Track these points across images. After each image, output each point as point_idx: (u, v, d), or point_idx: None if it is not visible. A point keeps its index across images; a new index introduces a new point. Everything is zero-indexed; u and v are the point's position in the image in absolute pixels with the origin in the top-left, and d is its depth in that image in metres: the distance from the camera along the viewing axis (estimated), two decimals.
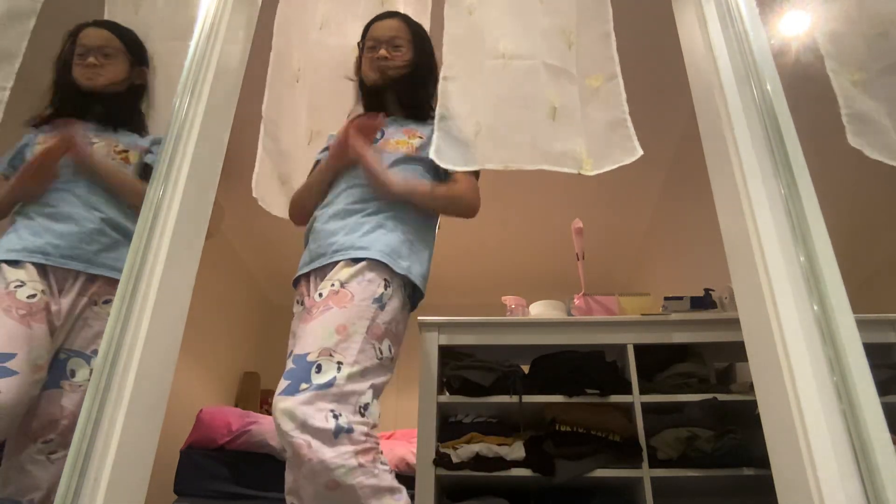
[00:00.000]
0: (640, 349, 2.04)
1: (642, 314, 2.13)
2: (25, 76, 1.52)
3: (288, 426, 1.01)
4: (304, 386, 1.05)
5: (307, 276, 1.37)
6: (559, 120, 1.43)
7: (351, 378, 1.09)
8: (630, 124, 1.38)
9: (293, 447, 1.01)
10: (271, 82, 1.77)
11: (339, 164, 1.42)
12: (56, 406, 1.31)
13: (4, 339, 1.23)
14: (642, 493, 1.82)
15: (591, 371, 2.02)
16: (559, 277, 3.26)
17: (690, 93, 1.34)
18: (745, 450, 1.84)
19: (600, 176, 1.40)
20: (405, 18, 1.59)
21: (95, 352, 1.32)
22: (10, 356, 1.21)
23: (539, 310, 2.34)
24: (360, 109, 1.61)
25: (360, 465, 1.01)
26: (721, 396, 1.93)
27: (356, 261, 1.24)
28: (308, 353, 1.10)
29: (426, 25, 1.72)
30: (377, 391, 1.15)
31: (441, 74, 1.52)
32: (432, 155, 1.40)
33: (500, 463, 1.89)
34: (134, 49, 1.62)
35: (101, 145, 1.52)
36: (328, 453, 0.99)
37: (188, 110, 1.30)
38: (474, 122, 1.46)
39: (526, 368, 2.15)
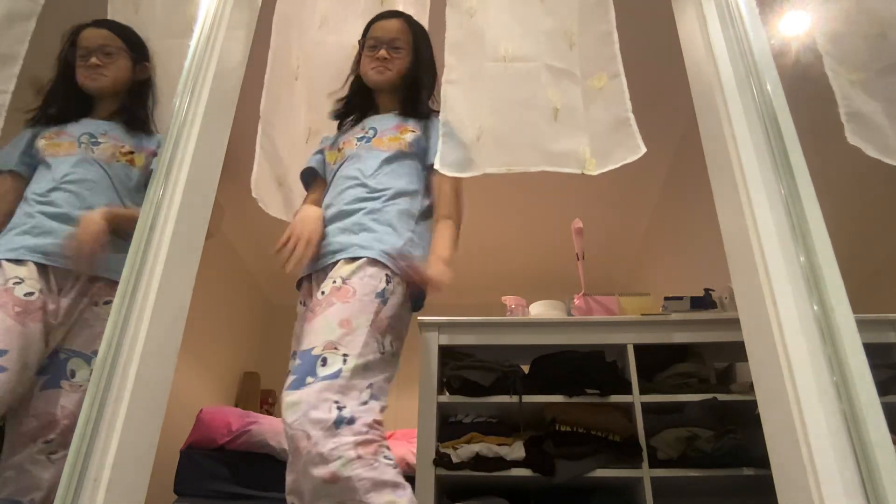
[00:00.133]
0: (640, 349, 2.04)
1: (642, 314, 2.13)
2: (25, 78, 1.52)
3: (291, 417, 1.01)
4: (309, 380, 1.05)
5: (309, 277, 1.37)
6: (561, 121, 1.43)
7: (356, 370, 1.09)
8: (633, 122, 1.37)
9: (293, 439, 1.00)
10: (269, 81, 1.77)
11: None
12: (56, 406, 1.31)
13: None
14: (642, 493, 1.82)
15: (591, 371, 2.02)
16: (559, 277, 3.26)
17: (690, 93, 1.34)
18: (745, 450, 1.84)
19: (600, 176, 1.40)
20: (407, 19, 1.59)
21: (96, 352, 1.32)
22: (2, 353, 1.21)
23: (539, 310, 2.34)
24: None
25: (359, 457, 0.99)
26: (721, 396, 1.93)
27: (356, 258, 1.25)
28: (313, 348, 1.10)
29: (425, 26, 1.72)
30: (382, 386, 1.15)
31: (443, 78, 1.52)
32: (436, 162, 1.40)
33: (500, 463, 1.89)
34: (134, 45, 1.62)
35: (107, 145, 1.52)
36: (326, 445, 0.98)
37: (188, 110, 1.30)
38: (476, 126, 1.46)
39: (526, 368, 2.15)
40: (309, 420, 1.00)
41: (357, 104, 1.60)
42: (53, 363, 1.35)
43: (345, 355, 1.09)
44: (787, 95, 1.15)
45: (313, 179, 1.57)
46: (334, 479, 0.97)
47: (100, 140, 1.52)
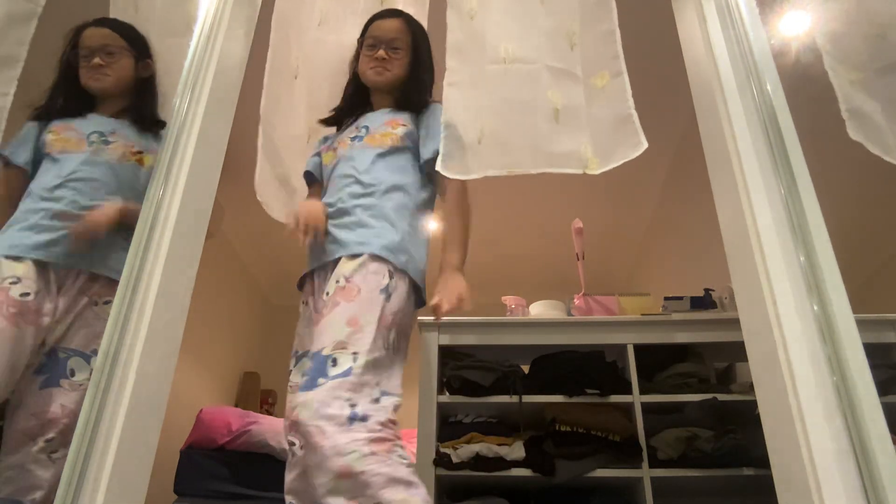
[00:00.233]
0: (640, 349, 2.04)
1: (642, 314, 2.13)
2: (27, 79, 1.52)
3: (304, 416, 1.02)
4: (321, 381, 1.06)
5: (311, 275, 1.37)
6: (562, 122, 1.43)
7: (367, 367, 1.09)
8: (636, 119, 1.37)
9: (307, 435, 1.00)
10: (269, 81, 1.76)
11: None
12: (56, 405, 1.31)
13: None
14: (642, 493, 1.82)
15: (591, 371, 2.02)
16: (559, 277, 3.26)
17: (690, 93, 1.34)
18: (745, 450, 1.84)
19: (600, 175, 1.40)
20: (406, 19, 1.59)
21: (95, 351, 1.32)
22: None
23: (539, 310, 2.34)
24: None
25: (373, 453, 0.98)
26: (721, 396, 1.93)
27: (357, 255, 1.25)
28: (323, 349, 1.11)
29: (424, 25, 1.72)
30: (393, 382, 1.16)
31: (444, 81, 1.52)
32: (439, 165, 1.40)
33: (500, 463, 1.89)
34: (136, 43, 1.62)
35: (118, 145, 1.52)
36: (341, 438, 0.98)
37: (188, 110, 1.30)
38: (477, 129, 1.46)
39: (526, 368, 2.15)
40: (322, 416, 1.00)
41: (354, 104, 1.60)
42: (53, 362, 1.34)
43: (355, 353, 1.10)
44: (787, 95, 1.15)
45: (312, 182, 1.58)
46: (348, 474, 0.96)
47: (110, 139, 1.52)
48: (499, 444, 1.93)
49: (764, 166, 1.09)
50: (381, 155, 1.41)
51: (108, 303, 1.39)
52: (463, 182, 1.44)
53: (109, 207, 1.42)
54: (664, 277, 3.85)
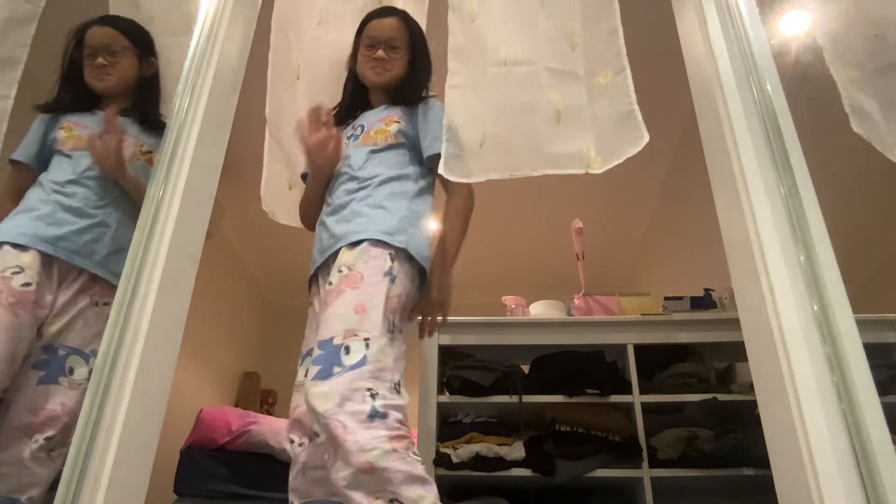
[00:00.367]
0: (640, 349, 2.04)
1: (642, 314, 2.13)
2: (28, 80, 1.52)
3: (324, 407, 1.00)
4: (336, 369, 1.05)
5: (315, 276, 1.37)
6: (564, 122, 1.43)
7: (382, 352, 1.10)
8: (638, 115, 1.37)
9: (329, 428, 1.00)
10: (272, 83, 1.76)
11: (318, 160, 1.43)
12: (55, 402, 1.31)
13: None
14: (642, 493, 1.82)
15: (591, 371, 2.02)
16: (559, 277, 3.26)
17: (690, 93, 1.34)
18: (745, 450, 1.84)
19: (600, 176, 1.39)
20: (404, 17, 1.59)
21: (94, 351, 1.32)
22: None
23: (539, 310, 2.34)
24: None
25: (394, 450, 0.99)
26: (721, 396, 1.93)
27: (356, 243, 1.25)
28: (333, 338, 1.10)
29: (423, 24, 1.72)
30: (399, 364, 1.16)
31: (446, 83, 1.52)
32: (441, 169, 1.41)
33: (500, 463, 1.89)
34: (139, 41, 1.61)
35: (129, 144, 1.51)
36: (363, 435, 0.99)
37: (188, 110, 1.30)
38: (479, 132, 1.46)
39: (526, 368, 2.15)
40: (345, 411, 1.00)
41: (354, 102, 1.60)
42: (51, 358, 1.34)
43: (366, 339, 1.10)
44: (787, 95, 1.15)
45: None
46: (370, 470, 0.97)
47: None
48: (499, 444, 1.93)
49: (764, 166, 1.09)
50: (375, 151, 1.42)
51: (109, 304, 1.39)
52: (470, 187, 1.45)
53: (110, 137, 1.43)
54: (664, 277, 3.85)
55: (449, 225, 1.42)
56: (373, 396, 1.03)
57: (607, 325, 2.11)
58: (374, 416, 1.01)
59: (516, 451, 1.92)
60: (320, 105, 1.47)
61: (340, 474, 0.99)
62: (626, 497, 1.97)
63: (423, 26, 1.71)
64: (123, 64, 1.57)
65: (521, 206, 3.72)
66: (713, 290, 2.25)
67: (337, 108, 1.61)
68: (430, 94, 1.56)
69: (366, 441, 0.98)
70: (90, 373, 1.28)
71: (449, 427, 2.05)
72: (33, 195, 1.43)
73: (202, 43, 1.39)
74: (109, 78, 1.55)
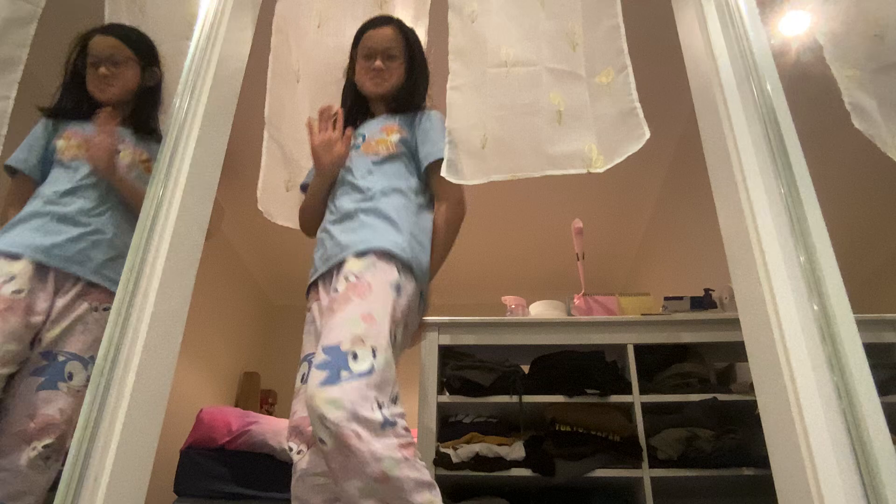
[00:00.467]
0: (640, 349, 2.04)
1: (642, 314, 2.13)
2: (29, 82, 1.52)
3: (335, 415, 0.99)
4: (344, 374, 1.04)
5: (315, 283, 1.36)
6: (565, 123, 1.43)
7: (387, 364, 1.09)
8: (640, 112, 1.37)
9: (340, 438, 0.98)
10: (272, 85, 1.77)
11: (325, 168, 1.44)
12: (54, 408, 1.30)
13: None
14: (642, 493, 1.82)
15: (591, 371, 2.02)
16: (559, 277, 3.26)
17: (690, 93, 1.34)
18: (745, 450, 1.84)
19: (600, 176, 1.40)
20: (398, 25, 1.59)
21: (94, 357, 1.31)
22: None
23: (539, 310, 2.34)
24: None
25: (405, 458, 1.00)
26: (721, 396, 1.93)
27: (363, 253, 1.25)
28: (340, 343, 1.09)
29: (425, 27, 1.72)
30: (396, 380, 1.16)
31: (448, 85, 1.52)
32: (444, 171, 1.41)
33: (500, 463, 1.89)
34: (143, 52, 1.61)
35: (127, 153, 1.52)
36: (377, 444, 0.99)
37: (188, 110, 1.30)
38: (480, 134, 1.46)
39: (526, 368, 2.15)
40: (358, 419, 0.99)
41: (354, 113, 1.59)
42: (50, 364, 1.33)
43: (373, 348, 1.09)
44: (787, 95, 1.15)
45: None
46: (385, 479, 0.98)
47: (119, 148, 1.52)
48: (499, 444, 1.93)
49: (764, 166, 1.09)
50: (377, 163, 1.42)
51: (108, 309, 1.38)
52: (462, 198, 1.45)
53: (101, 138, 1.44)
54: (664, 277, 3.85)
55: (436, 235, 1.41)
56: (380, 406, 1.03)
57: (607, 325, 2.11)
58: (385, 425, 1.01)
59: (516, 451, 1.92)
60: (330, 105, 1.47)
61: (354, 483, 0.99)
62: (626, 497, 1.97)
63: (425, 29, 1.71)
64: (126, 75, 1.57)
65: (521, 205, 3.72)
66: (713, 290, 2.25)
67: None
68: (429, 102, 1.56)
69: (379, 451, 0.99)
70: (88, 378, 1.29)
71: (449, 427, 2.05)
72: (29, 207, 1.44)
73: (202, 43, 1.39)
74: (111, 89, 1.55)
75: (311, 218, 1.50)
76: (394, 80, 1.53)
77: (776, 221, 1.04)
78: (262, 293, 4.90)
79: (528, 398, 1.97)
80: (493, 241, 4.01)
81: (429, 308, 1.39)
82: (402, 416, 1.07)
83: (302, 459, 1.19)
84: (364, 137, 1.48)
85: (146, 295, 1.10)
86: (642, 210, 3.84)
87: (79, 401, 1.27)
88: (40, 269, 1.36)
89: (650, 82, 1.52)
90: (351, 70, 1.60)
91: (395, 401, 1.09)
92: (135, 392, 1.02)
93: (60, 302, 1.37)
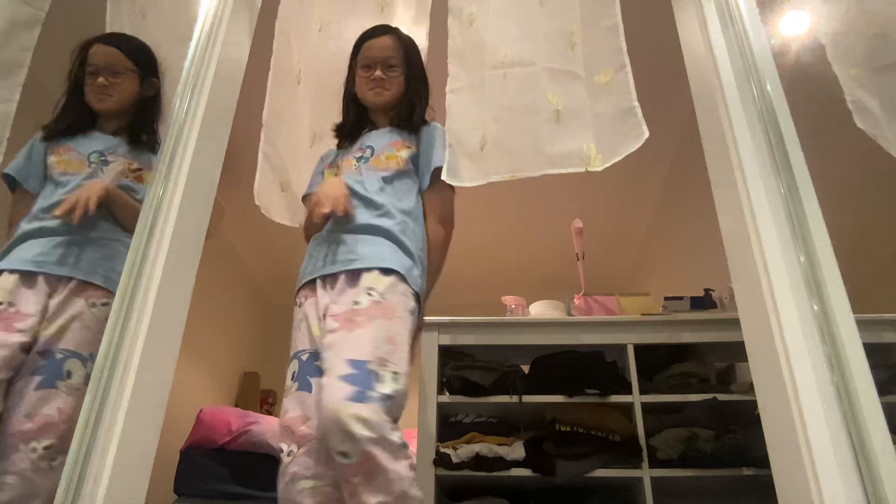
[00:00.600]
0: (640, 349, 2.03)
1: (642, 314, 2.13)
2: (30, 83, 1.52)
3: (364, 434, 1.03)
4: (371, 394, 1.08)
5: (312, 281, 1.35)
6: (563, 122, 1.43)
7: (406, 389, 1.15)
8: (638, 111, 1.37)
9: (370, 456, 1.03)
10: (271, 86, 1.76)
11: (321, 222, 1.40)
12: (52, 408, 1.29)
13: None
14: (642, 493, 1.82)
15: (591, 371, 2.02)
16: (559, 277, 3.26)
17: (690, 93, 1.34)
18: (745, 450, 1.84)
19: (600, 175, 1.40)
20: (397, 34, 1.59)
21: (92, 355, 1.31)
22: None
23: (539, 310, 2.34)
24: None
25: (414, 478, 1.09)
26: (721, 396, 1.93)
27: (387, 272, 1.26)
28: (367, 361, 1.12)
29: (426, 30, 1.72)
30: None
31: (447, 87, 1.52)
32: (444, 174, 1.41)
33: (500, 463, 1.89)
34: (142, 63, 1.61)
35: (116, 164, 1.52)
36: (399, 465, 1.06)
37: (188, 110, 1.30)
38: (479, 135, 1.46)
39: (526, 368, 2.15)
40: (384, 442, 1.05)
41: (356, 123, 1.59)
42: (48, 363, 1.32)
43: (395, 373, 1.14)
44: (787, 95, 1.15)
45: None
46: (404, 497, 1.06)
47: (109, 159, 1.52)
48: (499, 444, 1.93)
49: (764, 166, 1.09)
50: (387, 179, 1.41)
51: (105, 304, 1.38)
52: (452, 210, 1.46)
53: (95, 185, 1.42)
54: (664, 277, 3.85)
55: (431, 255, 1.42)
56: (396, 429, 1.09)
57: (607, 325, 2.11)
58: (402, 447, 1.09)
59: (516, 451, 1.92)
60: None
61: (377, 498, 1.05)
62: (626, 497, 1.97)
63: (426, 32, 1.71)
64: (125, 85, 1.57)
65: (521, 205, 3.72)
66: (713, 290, 2.25)
67: (338, 129, 1.60)
68: (430, 113, 1.57)
69: (401, 471, 1.06)
70: (87, 376, 1.27)
71: (449, 427, 2.05)
72: (22, 227, 1.45)
73: (202, 43, 1.39)
74: (109, 99, 1.56)
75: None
76: (394, 89, 1.53)
77: (776, 221, 1.04)
78: (262, 293, 4.90)
79: (528, 398, 1.97)
80: (493, 241, 4.01)
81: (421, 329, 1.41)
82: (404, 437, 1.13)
83: (292, 462, 1.18)
84: (373, 150, 1.47)
85: (146, 295, 1.10)
86: (642, 210, 3.84)
87: (78, 399, 1.26)
88: (26, 277, 1.36)
89: (650, 82, 1.52)
90: (350, 80, 1.60)
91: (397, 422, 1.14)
92: (135, 392, 1.02)
93: (55, 301, 1.37)
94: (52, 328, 1.35)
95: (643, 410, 1.93)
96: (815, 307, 0.95)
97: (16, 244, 1.42)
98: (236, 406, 4.02)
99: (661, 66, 1.80)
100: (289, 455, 1.19)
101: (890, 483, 0.81)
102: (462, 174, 1.43)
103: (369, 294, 1.22)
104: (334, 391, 1.08)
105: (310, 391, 1.22)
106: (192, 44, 1.39)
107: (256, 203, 1.69)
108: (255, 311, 4.81)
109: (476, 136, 1.46)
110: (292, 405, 1.22)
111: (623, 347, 2.05)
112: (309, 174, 1.61)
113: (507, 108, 1.47)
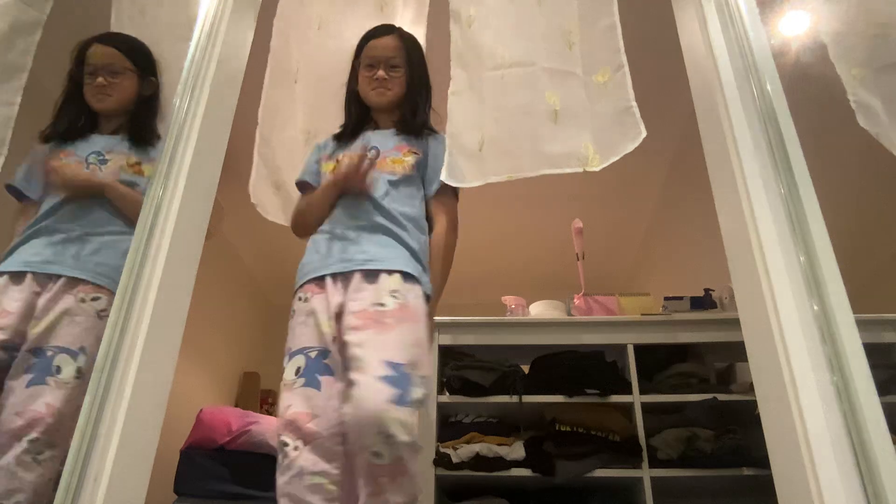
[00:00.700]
0: (640, 349, 2.04)
1: (642, 314, 2.13)
2: (31, 86, 1.52)
3: (405, 438, 1.07)
4: (409, 399, 1.11)
5: (320, 277, 1.33)
6: (561, 122, 1.43)
7: (429, 392, 1.21)
8: (636, 111, 1.37)
9: (404, 460, 1.08)
10: (268, 85, 1.76)
11: (348, 191, 1.42)
12: (40, 403, 1.27)
13: None
14: (642, 493, 1.82)
15: (591, 371, 2.02)
16: (559, 277, 3.26)
17: (690, 92, 1.34)
18: (745, 450, 1.84)
19: (600, 175, 1.40)
20: (400, 34, 1.58)
21: (83, 349, 1.31)
22: None
23: (539, 310, 2.34)
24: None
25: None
26: (721, 396, 1.93)
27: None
28: (404, 364, 1.14)
29: (423, 29, 1.72)
30: None
31: (449, 90, 1.52)
32: (443, 175, 1.40)
33: (500, 463, 1.89)
34: (141, 62, 1.61)
35: (114, 161, 1.51)
36: (417, 467, 1.12)
37: (188, 110, 1.30)
38: (478, 136, 1.46)
39: (526, 368, 2.15)
40: (415, 446, 1.11)
41: (358, 123, 1.58)
42: (40, 360, 1.31)
43: (423, 377, 1.17)
44: (787, 95, 1.15)
45: (305, 189, 1.56)
46: (416, 498, 1.12)
47: (107, 158, 1.52)
48: (499, 444, 1.93)
49: (764, 166, 1.09)
50: (393, 183, 1.41)
51: (95, 299, 1.38)
52: (456, 217, 1.46)
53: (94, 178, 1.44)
54: (664, 277, 3.85)
55: (436, 262, 1.40)
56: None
57: (607, 325, 2.11)
58: (420, 450, 1.14)
59: (516, 451, 1.92)
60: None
61: (400, 498, 1.10)
62: (626, 497, 1.97)
63: (423, 31, 1.71)
64: (123, 85, 1.57)
65: (521, 205, 3.72)
66: (713, 290, 2.25)
67: (341, 129, 1.59)
68: (432, 116, 1.57)
69: (417, 473, 1.12)
70: (78, 371, 1.29)
71: (449, 427, 2.05)
72: (22, 232, 1.45)
73: (202, 43, 1.39)
74: (108, 99, 1.56)
75: (312, 223, 1.46)
76: (396, 89, 1.53)
77: (776, 221, 1.04)
78: (262, 293, 4.90)
79: (528, 398, 1.97)
80: (493, 241, 4.01)
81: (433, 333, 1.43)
82: None
83: (299, 456, 1.15)
84: (378, 151, 1.46)
85: (146, 295, 1.10)
86: (642, 210, 3.84)
87: (68, 393, 1.27)
88: (15, 278, 1.37)
89: (650, 82, 1.52)
90: (353, 79, 1.60)
91: None
92: (135, 392, 1.01)
93: (43, 299, 1.36)
94: (41, 326, 1.34)
95: (643, 410, 1.93)
96: (815, 307, 0.95)
97: (13, 249, 1.43)
98: (236, 406, 4.01)
99: (660, 65, 1.80)
100: (295, 449, 1.16)
101: (890, 483, 0.81)
102: (461, 175, 1.43)
103: (394, 297, 1.23)
104: (374, 392, 1.09)
105: (318, 389, 1.20)
106: (192, 43, 1.39)
107: (252, 201, 1.68)
108: (255, 311, 4.81)
109: (475, 136, 1.46)
110: (296, 400, 1.20)
111: (623, 347, 2.05)
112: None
113: (506, 108, 1.47)
